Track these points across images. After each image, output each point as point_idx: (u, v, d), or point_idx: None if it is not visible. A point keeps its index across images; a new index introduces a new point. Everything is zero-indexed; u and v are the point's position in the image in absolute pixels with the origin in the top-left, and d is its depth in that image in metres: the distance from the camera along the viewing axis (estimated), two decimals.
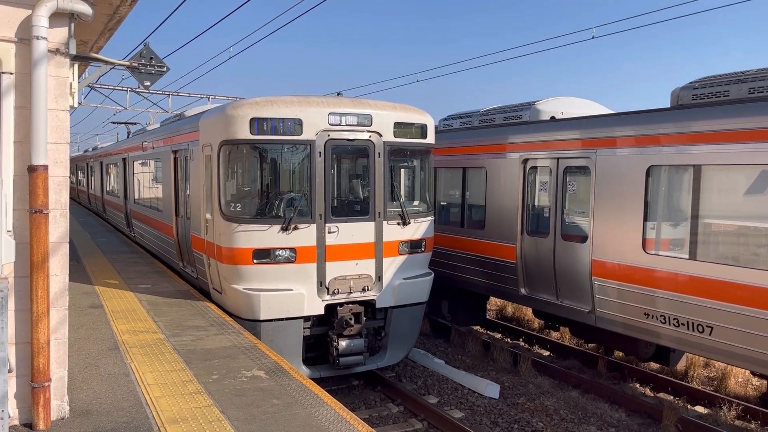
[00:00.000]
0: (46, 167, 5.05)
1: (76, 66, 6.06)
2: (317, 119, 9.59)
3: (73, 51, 5.30)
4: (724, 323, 8.05)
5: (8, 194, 5.03)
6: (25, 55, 5.04)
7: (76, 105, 5.98)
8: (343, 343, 9.85)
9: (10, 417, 5.09)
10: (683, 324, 8.58)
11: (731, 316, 7.95)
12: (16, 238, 5.05)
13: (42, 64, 4.99)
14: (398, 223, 10.30)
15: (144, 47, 7.38)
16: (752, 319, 7.72)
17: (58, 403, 5.47)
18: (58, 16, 5.16)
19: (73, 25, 5.32)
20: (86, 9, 5.24)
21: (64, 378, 5.50)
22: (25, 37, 5.03)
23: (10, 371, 5.02)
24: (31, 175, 5.01)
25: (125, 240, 19.16)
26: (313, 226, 9.62)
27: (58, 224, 5.32)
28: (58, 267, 5.34)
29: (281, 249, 9.47)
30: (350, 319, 9.88)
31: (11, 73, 5.03)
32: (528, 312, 15.33)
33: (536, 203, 11.37)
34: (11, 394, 5.19)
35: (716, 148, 8.12)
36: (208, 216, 10.23)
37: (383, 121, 10.09)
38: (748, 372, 11.43)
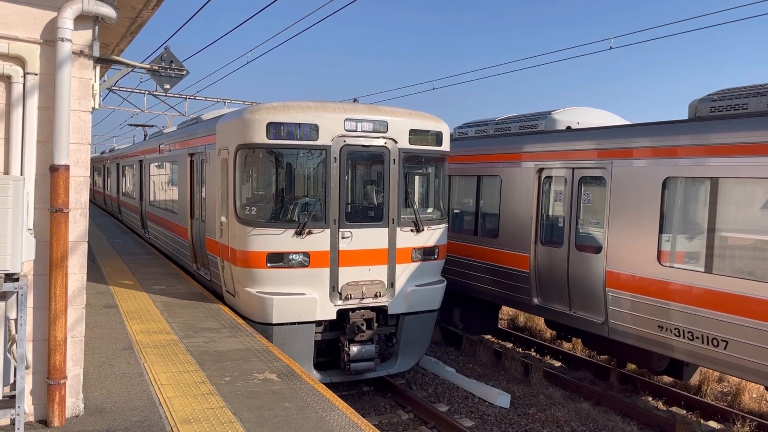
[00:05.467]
0: (67, 167, 5.13)
1: (97, 68, 6.14)
2: (333, 125, 9.64)
3: (96, 53, 5.39)
4: (739, 337, 7.97)
5: (30, 193, 5.11)
6: (50, 56, 5.13)
7: (97, 106, 6.05)
8: (354, 349, 9.86)
9: (25, 413, 5.15)
10: (698, 337, 8.50)
11: (746, 331, 7.87)
12: (37, 236, 5.12)
13: (66, 66, 5.07)
14: (412, 230, 10.31)
15: (164, 50, 7.44)
16: None
17: (73, 401, 5.52)
18: (83, 19, 5.25)
19: (97, 27, 5.40)
20: (111, 12, 5.33)
21: (79, 376, 5.56)
22: (50, 38, 5.13)
23: (27, 368, 5.08)
24: (52, 175, 5.09)
25: (140, 242, 19.31)
26: (327, 231, 9.65)
27: (78, 223, 5.39)
28: (77, 266, 5.41)
29: (295, 253, 9.51)
30: (362, 324, 9.89)
31: (36, 74, 5.12)
32: (540, 322, 15.25)
33: (550, 213, 11.34)
34: (27, 390, 5.26)
35: (734, 161, 8.07)
36: (223, 219, 10.30)
37: (399, 127, 10.12)
38: (762, 387, 11.29)
